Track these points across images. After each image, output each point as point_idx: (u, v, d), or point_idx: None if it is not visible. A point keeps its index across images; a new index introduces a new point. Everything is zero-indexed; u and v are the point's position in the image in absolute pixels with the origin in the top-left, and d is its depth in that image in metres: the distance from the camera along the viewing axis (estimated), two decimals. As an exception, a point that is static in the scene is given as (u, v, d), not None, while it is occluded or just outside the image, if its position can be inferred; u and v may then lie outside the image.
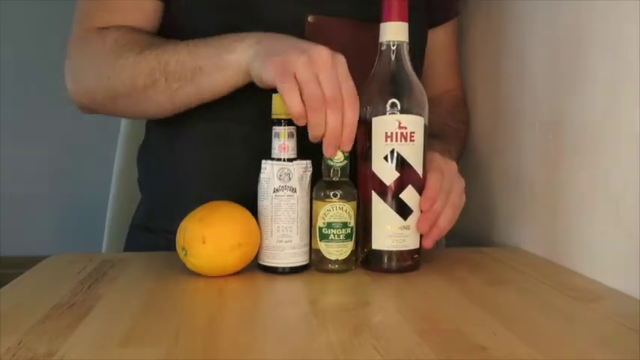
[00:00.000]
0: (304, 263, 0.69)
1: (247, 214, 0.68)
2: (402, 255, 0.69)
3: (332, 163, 0.68)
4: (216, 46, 0.71)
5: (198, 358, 0.46)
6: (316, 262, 0.70)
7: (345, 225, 0.68)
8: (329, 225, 0.68)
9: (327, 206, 0.68)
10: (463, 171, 0.98)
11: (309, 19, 0.78)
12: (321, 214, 0.68)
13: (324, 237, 0.68)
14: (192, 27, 0.78)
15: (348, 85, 0.65)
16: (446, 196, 0.71)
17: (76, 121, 2.04)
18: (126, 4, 0.80)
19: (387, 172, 0.68)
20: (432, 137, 0.74)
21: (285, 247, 0.67)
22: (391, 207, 0.68)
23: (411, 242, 0.69)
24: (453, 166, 0.75)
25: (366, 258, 0.71)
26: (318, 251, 0.69)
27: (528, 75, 0.84)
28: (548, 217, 0.78)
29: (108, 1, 0.80)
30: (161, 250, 0.77)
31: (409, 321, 0.54)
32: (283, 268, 0.68)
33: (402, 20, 0.68)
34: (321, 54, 0.64)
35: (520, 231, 0.86)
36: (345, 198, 0.68)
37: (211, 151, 0.81)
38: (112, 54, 0.75)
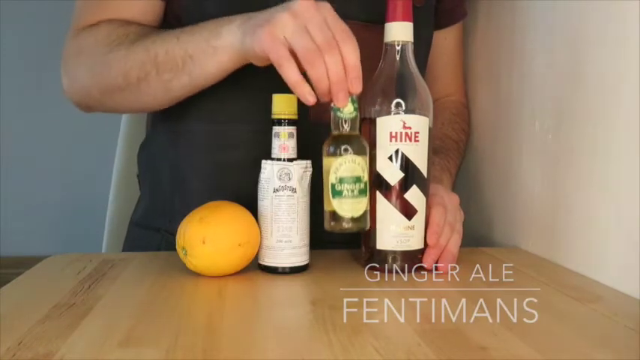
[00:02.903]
0: (304, 263, 0.69)
1: (247, 214, 0.68)
2: (406, 255, 0.69)
3: (341, 115, 0.65)
4: (202, 32, 0.70)
5: (198, 358, 0.46)
6: (330, 224, 0.66)
7: (358, 179, 0.65)
8: (342, 180, 0.64)
9: (339, 160, 0.64)
10: (463, 170, 0.98)
11: None
12: (332, 169, 0.65)
13: (337, 193, 0.65)
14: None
15: (339, 26, 0.63)
16: (450, 229, 0.71)
17: (76, 120, 2.04)
18: (119, 2, 0.79)
19: (391, 172, 0.68)
20: (433, 152, 0.74)
21: (285, 247, 0.67)
22: (396, 207, 0.68)
23: (415, 242, 0.69)
24: (455, 199, 0.76)
25: (371, 258, 0.71)
26: (332, 212, 0.66)
27: (528, 75, 0.84)
28: (548, 217, 0.78)
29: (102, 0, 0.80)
30: (160, 249, 0.77)
31: (409, 321, 0.54)
32: (283, 268, 0.68)
33: (407, 20, 0.68)
34: (302, 4, 0.62)
35: (520, 231, 0.86)
36: (357, 151, 0.65)
37: (213, 151, 0.81)
38: (103, 49, 0.75)
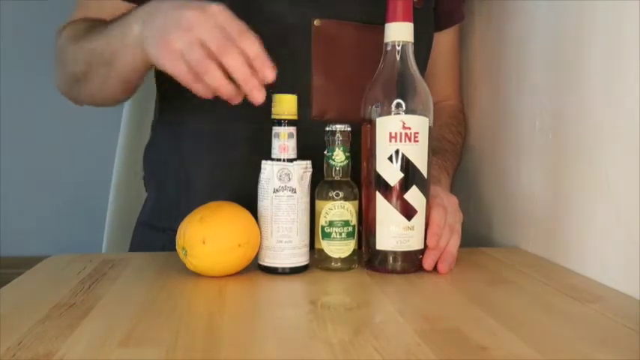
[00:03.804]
0: (304, 263, 0.69)
1: (247, 214, 0.68)
2: (406, 255, 0.69)
3: (333, 163, 0.70)
4: (116, 30, 0.71)
5: (198, 358, 0.46)
6: (319, 261, 0.71)
7: (346, 223, 0.69)
8: (331, 223, 0.69)
9: (329, 205, 0.69)
10: (463, 171, 0.98)
11: (315, 22, 0.79)
12: (323, 213, 0.69)
13: (326, 235, 0.69)
14: None
15: (233, 26, 0.62)
16: (450, 231, 0.72)
17: (76, 120, 2.04)
18: (105, 6, 0.81)
19: (391, 173, 0.68)
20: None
21: (285, 247, 0.67)
22: (395, 208, 0.68)
23: (415, 243, 0.69)
24: (454, 200, 0.76)
25: (371, 258, 0.71)
26: (321, 250, 0.70)
27: (528, 75, 0.84)
28: (548, 217, 0.78)
29: (90, 3, 0.83)
30: (166, 248, 0.77)
31: (409, 321, 0.54)
32: (283, 269, 0.68)
33: (407, 20, 0.68)
34: (194, 16, 0.62)
35: (520, 231, 0.86)
36: (346, 197, 0.69)
37: (215, 150, 0.81)
38: (66, 43, 0.78)
